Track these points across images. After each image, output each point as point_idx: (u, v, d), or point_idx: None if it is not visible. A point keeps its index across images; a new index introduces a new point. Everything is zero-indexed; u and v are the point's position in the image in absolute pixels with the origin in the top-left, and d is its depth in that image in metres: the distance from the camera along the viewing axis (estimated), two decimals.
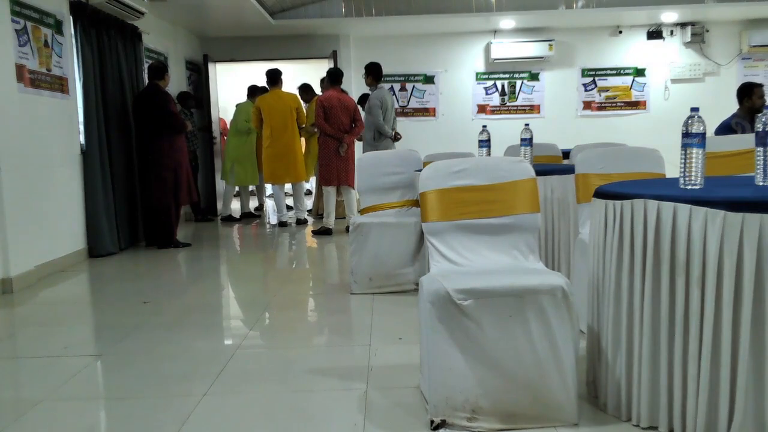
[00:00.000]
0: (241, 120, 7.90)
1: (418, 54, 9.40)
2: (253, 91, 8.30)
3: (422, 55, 9.42)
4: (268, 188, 9.17)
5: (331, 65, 8.59)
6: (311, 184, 10.55)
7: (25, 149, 4.72)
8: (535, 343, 2.11)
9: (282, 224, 7.31)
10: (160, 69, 6.06)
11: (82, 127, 5.65)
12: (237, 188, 8.17)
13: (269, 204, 8.93)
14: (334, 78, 6.66)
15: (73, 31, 5.55)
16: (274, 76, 7.18)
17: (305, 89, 8.12)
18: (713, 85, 9.25)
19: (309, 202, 8.92)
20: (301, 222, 7.36)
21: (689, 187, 2.16)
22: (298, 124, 7.17)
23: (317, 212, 8.02)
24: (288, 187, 7.80)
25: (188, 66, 8.53)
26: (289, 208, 7.78)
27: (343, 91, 6.68)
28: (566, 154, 5.01)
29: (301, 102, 7.52)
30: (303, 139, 8.08)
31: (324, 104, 6.39)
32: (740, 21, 9.14)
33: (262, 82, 8.72)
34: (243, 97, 8.94)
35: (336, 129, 6.41)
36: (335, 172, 6.46)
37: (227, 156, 8.04)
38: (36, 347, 3.29)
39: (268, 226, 7.66)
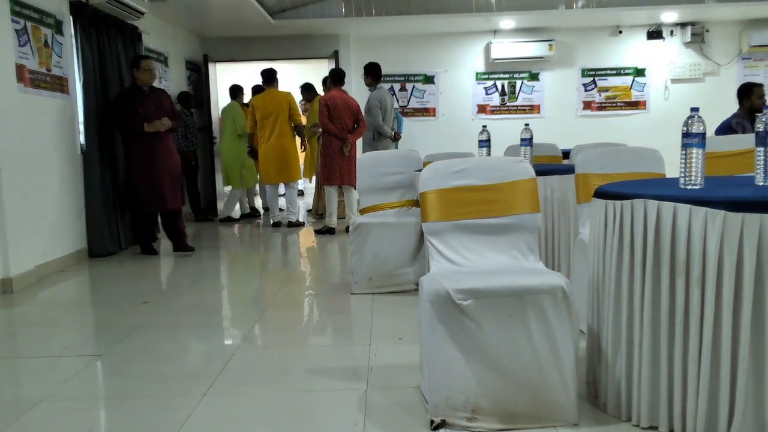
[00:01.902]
0: (240, 123, 7.78)
1: (418, 54, 9.41)
2: (235, 91, 8.17)
3: (422, 55, 9.42)
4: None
5: (332, 65, 8.59)
6: (304, 184, 10.55)
7: (25, 149, 4.72)
8: (535, 343, 2.11)
9: (275, 225, 7.31)
10: (133, 60, 5.77)
11: (82, 127, 5.66)
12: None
13: (258, 204, 8.91)
14: (337, 78, 6.66)
15: (73, 31, 5.55)
16: (268, 76, 7.08)
17: (307, 89, 8.09)
18: (713, 85, 9.25)
19: (302, 203, 8.89)
20: (293, 224, 7.20)
21: (689, 187, 2.16)
22: (295, 121, 7.09)
23: (317, 212, 8.03)
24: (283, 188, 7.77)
25: (188, 66, 8.54)
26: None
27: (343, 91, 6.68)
28: (566, 154, 5.01)
29: (297, 100, 7.44)
30: (306, 138, 8.06)
31: (328, 104, 6.39)
32: (740, 21, 9.14)
33: (260, 81, 8.74)
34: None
35: (340, 129, 6.41)
36: (338, 171, 6.46)
37: (234, 159, 7.88)
38: (36, 347, 3.29)
39: (268, 226, 7.65)
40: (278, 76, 7.20)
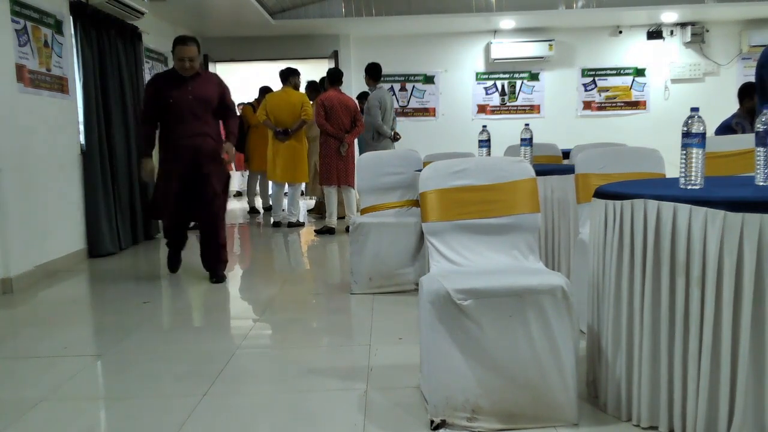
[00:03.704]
0: None
1: (418, 54, 9.40)
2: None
3: (422, 55, 9.42)
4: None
5: (332, 65, 8.59)
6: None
7: (25, 149, 4.73)
8: (535, 343, 2.11)
9: (276, 224, 7.31)
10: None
11: (82, 127, 5.65)
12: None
13: (258, 204, 8.93)
14: (334, 78, 6.66)
15: (73, 31, 5.55)
16: (284, 75, 7.05)
17: (311, 87, 8.02)
18: (713, 85, 9.25)
19: (302, 203, 8.90)
20: (293, 225, 7.21)
21: (689, 187, 2.16)
22: (304, 114, 6.96)
23: (317, 212, 8.03)
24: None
25: None
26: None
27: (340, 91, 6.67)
28: (566, 154, 5.01)
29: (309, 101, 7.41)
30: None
31: (324, 104, 6.40)
32: (740, 21, 9.14)
33: (262, 81, 8.75)
34: (242, 98, 8.90)
35: (337, 129, 6.41)
36: (335, 172, 6.48)
37: None
38: (36, 347, 3.29)
39: (268, 225, 7.65)
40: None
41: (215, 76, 4.64)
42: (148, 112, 4.46)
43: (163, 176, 4.46)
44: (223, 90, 4.50)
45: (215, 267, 4.60)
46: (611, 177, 2.90)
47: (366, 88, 7.21)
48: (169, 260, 4.84)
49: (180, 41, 4.33)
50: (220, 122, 4.57)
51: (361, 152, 6.41)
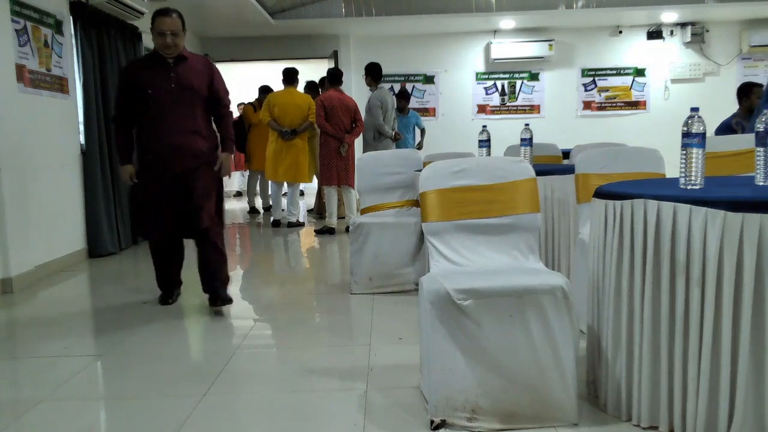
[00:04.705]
0: None
1: (418, 54, 9.41)
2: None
3: (422, 55, 9.43)
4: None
5: (332, 65, 8.59)
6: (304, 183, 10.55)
7: (25, 149, 4.72)
8: (535, 343, 2.11)
9: (275, 224, 7.31)
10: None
11: (82, 127, 5.66)
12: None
13: (258, 204, 8.95)
14: (334, 78, 6.67)
15: (73, 31, 5.55)
16: (288, 75, 7.04)
17: (310, 87, 8.02)
18: (713, 85, 9.26)
19: (302, 203, 8.92)
20: (292, 225, 7.20)
21: (689, 187, 2.16)
22: (312, 123, 6.93)
23: (318, 211, 8.03)
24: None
25: None
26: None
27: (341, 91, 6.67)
28: (566, 154, 5.01)
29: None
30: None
31: (325, 104, 6.40)
32: (740, 21, 9.14)
33: (262, 81, 8.75)
34: (242, 98, 8.87)
35: (337, 129, 6.42)
36: (335, 172, 6.48)
37: None
38: (36, 347, 3.29)
39: (268, 226, 7.66)
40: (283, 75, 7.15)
41: (203, 59, 3.86)
42: (120, 109, 3.69)
43: (142, 186, 3.73)
44: (212, 74, 3.71)
45: (214, 284, 3.80)
46: (611, 177, 2.90)
47: (365, 89, 7.19)
48: (161, 284, 3.97)
49: (160, 12, 3.53)
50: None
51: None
